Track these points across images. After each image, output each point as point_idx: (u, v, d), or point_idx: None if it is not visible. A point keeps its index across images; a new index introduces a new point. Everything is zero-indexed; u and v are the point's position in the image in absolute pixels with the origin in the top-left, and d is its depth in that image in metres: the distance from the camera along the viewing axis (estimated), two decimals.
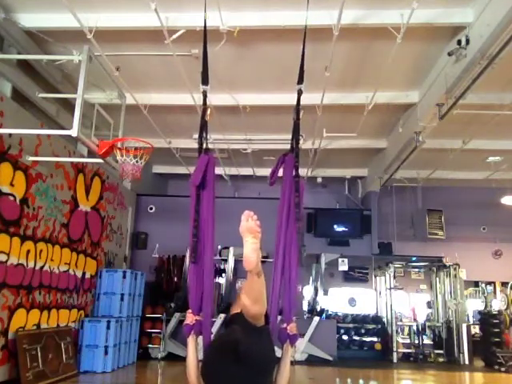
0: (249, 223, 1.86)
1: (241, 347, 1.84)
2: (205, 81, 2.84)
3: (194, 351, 2.39)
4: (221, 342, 2.11)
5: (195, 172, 2.55)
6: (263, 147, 8.82)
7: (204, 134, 2.68)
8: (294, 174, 2.71)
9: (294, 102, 2.90)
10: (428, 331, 9.89)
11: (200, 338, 2.45)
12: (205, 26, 2.98)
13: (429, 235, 10.49)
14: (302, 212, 2.70)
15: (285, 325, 2.53)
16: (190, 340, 2.42)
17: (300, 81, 2.91)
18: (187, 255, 8.98)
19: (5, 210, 5.19)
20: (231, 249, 8.92)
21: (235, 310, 2.26)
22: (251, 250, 1.84)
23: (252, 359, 1.89)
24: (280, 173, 2.79)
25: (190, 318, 2.44)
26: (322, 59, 5.42)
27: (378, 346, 9.57)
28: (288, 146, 2.88)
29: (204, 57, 2.89)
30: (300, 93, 2.91)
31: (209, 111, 2.79)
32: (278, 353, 2.38)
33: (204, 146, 2.65)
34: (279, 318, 2.49)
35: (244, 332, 1.96)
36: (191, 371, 2.32)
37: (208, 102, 2.85)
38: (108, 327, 6.90)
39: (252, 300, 1.98)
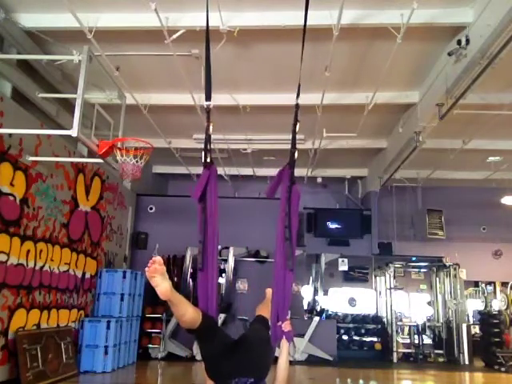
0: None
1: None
2: (208, 96, 2.91)
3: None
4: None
5: (196, 186, 2.80)
6: (263, 147, 8.82)
7: (208, 147, 2.83)
8: (289, 184, 2.86)
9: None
10: (428, 331, 9.88)
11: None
12: (207, 42, 3.00)
13: (429, 235, 10.47)
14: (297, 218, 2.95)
15: (279, 323, 2.77)
16: None
17: (297, 96, 2.99)
18: (187, 255, 8.99)
19: (5, 209, 5.19)
20: (231, 249, 8.91)
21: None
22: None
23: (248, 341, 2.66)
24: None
25: None
26: (321, 59, 5.43)
27: (378, 346, 9.56)
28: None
29: (207, 71, 2.90)
30: (297, 107, 2.96)
31: (211, 126, 2.87)
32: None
33: (208, 159, 2.80)
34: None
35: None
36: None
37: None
38: (108, 327, 6.89)
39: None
